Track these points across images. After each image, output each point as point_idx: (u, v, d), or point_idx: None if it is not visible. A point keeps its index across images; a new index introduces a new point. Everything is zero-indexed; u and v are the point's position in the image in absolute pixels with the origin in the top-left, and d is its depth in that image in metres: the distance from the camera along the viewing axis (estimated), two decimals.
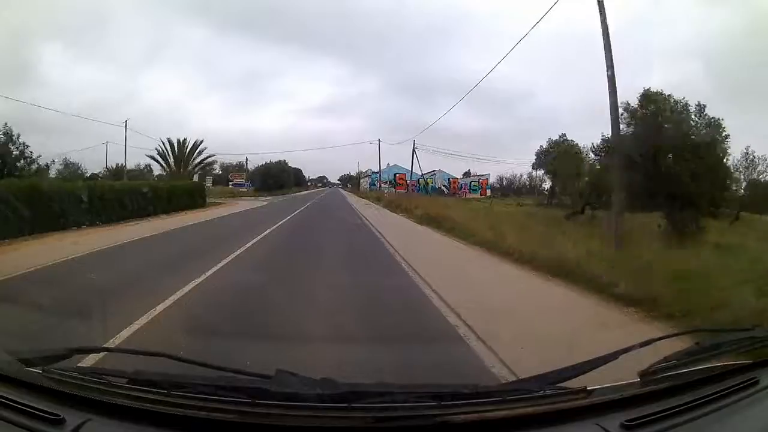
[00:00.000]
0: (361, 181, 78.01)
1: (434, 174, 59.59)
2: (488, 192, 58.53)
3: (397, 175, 58.94)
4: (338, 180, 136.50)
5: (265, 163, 65.20)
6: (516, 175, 61.42)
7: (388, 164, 58.92)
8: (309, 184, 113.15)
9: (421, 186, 53.24)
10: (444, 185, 59.46)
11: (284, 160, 70.88)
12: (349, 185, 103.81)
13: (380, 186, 56.87)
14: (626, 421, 1.14)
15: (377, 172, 59.30)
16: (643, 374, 1.30)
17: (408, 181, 54.90)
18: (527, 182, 59.90)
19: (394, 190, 55.14)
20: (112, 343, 3.61)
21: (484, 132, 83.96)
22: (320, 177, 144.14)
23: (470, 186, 59.73)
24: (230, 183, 57.55)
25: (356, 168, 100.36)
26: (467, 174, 61.37)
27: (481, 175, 60.54)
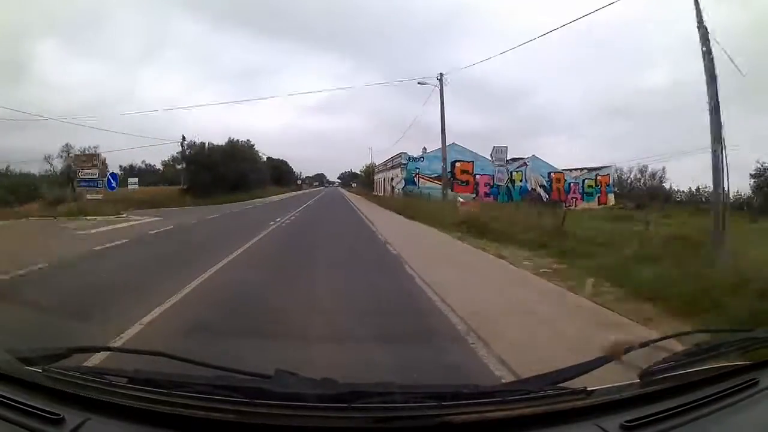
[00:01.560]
0: (378, 177, 49.77)
1: (525, 165, 33.72)
2: (610, 198, 34.41)
3: (459, 164, 32.48)
4: (338, 178, 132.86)
5: (204, 143, 37.98)
6: (623, 169, 39.50)
7: (424, 149, 33.51)
8: (300, 182, 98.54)
9: (504, 186, 30.13)
10: (542, 184, 33.46)
11: (248, 142, 45.87)
12: (354, 184, 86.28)
13: (450, 188, 28.13)
14: (626, 421, 1.14)
15: (419, 158, 33.53)
16: (643, 375, 1.30)
17: (476, 177, 32.19)
18: (641, 180, 39.66)
19: (449, 191, 27.78)
20: None
21: (485, 129, 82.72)
22: (317, 175, 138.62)
23: (583, 186, 33.96)
24: (79, 181, 24.70)
25: (359, 164, 79.65)
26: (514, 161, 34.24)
27: (597, 169, 35.31)
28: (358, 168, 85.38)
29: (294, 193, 64.66)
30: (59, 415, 1.12)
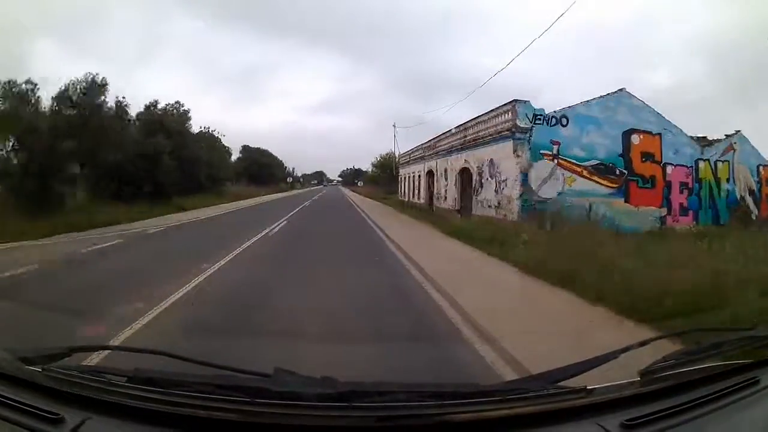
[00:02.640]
0: (412, 170, 28.96)
1: (732, 151, 15.28)
2: None
3: (638, 139, 13.72)
4: (339, 176, 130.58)
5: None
6: None
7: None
8: (291, 180, 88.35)
9: (704, 186, 14.66)
10: (751, 188, 15.69)
11: (178, 106, 28.98)
12: (360, 182, 73.34)
13: (624, 193, 13.40)
14: (626, 420, 1.14)
15: (556, 117, 13.22)
16: (643, 373, 1.30)
17: (666, 170, 14.05)
18: None
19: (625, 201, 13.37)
20: None
21: None
22: (316, 173, 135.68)
23: None
24: None
25: (363, 161, 65.40)
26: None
27: None
28: (364, 164, 70.45)
29: (273, 196, 43.58)
30: (59, 414, 1.12)
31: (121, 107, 21.50)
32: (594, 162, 13.75)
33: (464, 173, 18.09)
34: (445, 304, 5.47)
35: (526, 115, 13.57)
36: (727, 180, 15.70)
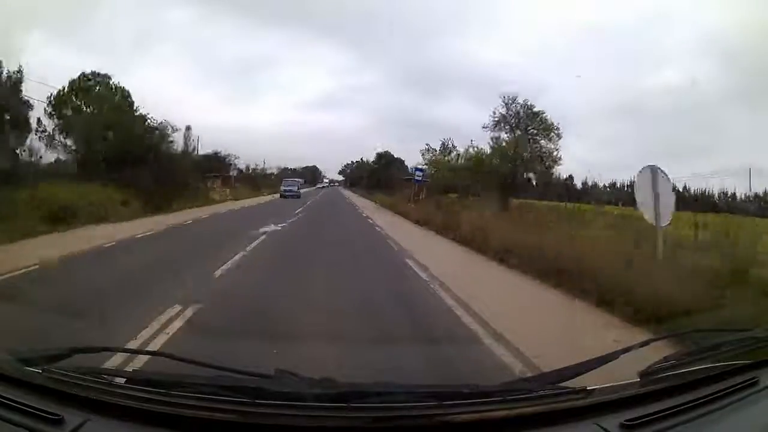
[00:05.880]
0: None
1: None
2: None
3: None
4: (339, 173, 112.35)
5: None
6: None
7: None
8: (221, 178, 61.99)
9: None
10: None
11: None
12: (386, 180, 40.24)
13: None
14: (626, 421, 1.14)
15: None
16: (643, 374, 1.30)
17: None
18: None
19: None
20: None
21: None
22: (308, 167, 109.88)
23: None
24: None
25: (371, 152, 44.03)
26: None
27: None
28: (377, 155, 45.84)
29: None
30: (59, 415, 1.12)
31: None
32: None
33: None
34: None
35: None
36: None
